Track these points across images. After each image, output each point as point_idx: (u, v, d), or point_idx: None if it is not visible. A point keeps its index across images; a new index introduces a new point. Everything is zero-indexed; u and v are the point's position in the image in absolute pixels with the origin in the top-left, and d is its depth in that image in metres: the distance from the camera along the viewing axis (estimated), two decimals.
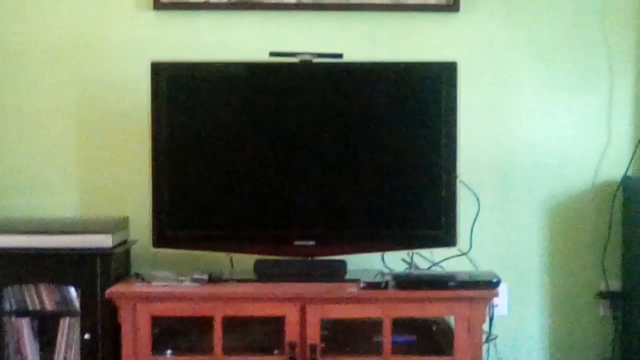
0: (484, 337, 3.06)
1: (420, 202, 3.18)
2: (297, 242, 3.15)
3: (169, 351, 3.02)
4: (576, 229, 3.52)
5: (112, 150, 3.46)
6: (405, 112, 3.18)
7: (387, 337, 2.96)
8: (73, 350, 3.12)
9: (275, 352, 3.00)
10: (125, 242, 3.27)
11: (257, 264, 3.16)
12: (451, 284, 2.98)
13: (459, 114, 3.14)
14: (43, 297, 3.15)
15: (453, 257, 3.32)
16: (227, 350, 2.97)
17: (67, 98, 3.46)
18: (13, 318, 3.15)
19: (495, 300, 3.14)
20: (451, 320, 3.04)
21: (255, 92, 3.20)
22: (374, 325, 3.03)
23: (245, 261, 3.22)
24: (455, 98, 3.14)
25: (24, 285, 3.14)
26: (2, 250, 3.08)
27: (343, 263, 3.15)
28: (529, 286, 3.51)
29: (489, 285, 2.99)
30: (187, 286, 3.03)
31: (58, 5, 3.45)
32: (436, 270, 3.32)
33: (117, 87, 3.44)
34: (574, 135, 3.50)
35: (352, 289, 3.00)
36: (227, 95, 3.20)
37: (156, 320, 2.99)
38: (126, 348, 2.96)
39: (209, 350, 2.97)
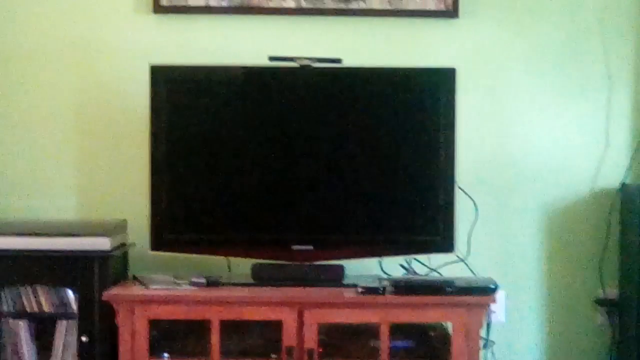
0: (481, 344, 3.06)
1: (418, 208, 3.18)
2: (295, 247, 3.15)
3: (166, 355, 3.02)
4: (574, 236, 3.52)
5: (111, 153, 3.46)
6: (404, 118, 3.18)
7: (384, 343, 2.97)
8: (70, 353, 3.11)
9: (273, 356, 3.00)
10: (123, 245, 3.27)
11: (255, 268, 3.16)
12: (449, 290, 2.98)
13: (458, 119, 3.14)
14: (40, 300, 3.14)
15: (451, 263, 3.31)
16: (224, 354, 2.98)
17: (66, 101, 3.46)
18: (10, 320, 3.14)
19: (493, 307, 3.12)
20: (448, 326, 3.03)
21: (254, 96, 3.21)
22: (372, 331, 3.03)
23: (243, 265, 3.21)
24: (453, 104, 3.14)
25: (21, 287, 3.13)
26: (0, 252, 3.08)
27: (341, 268, 3.15)
28: (527, 293, 3.51)
29: (487, 291, 2.99)
30: (184, 290, 3.03)
31: (58, 8, 3.45)
32: (434, 276, 3.31)
33: (116, 90, 3.44)
34: (572, 142, 3.50)
35: (349, 294, 3.00)
36: (226, 100, 3.20)
37: (154, 324, 2.99)
38: (123, 351, 2.96)
39: (206, 353, 2.97)
